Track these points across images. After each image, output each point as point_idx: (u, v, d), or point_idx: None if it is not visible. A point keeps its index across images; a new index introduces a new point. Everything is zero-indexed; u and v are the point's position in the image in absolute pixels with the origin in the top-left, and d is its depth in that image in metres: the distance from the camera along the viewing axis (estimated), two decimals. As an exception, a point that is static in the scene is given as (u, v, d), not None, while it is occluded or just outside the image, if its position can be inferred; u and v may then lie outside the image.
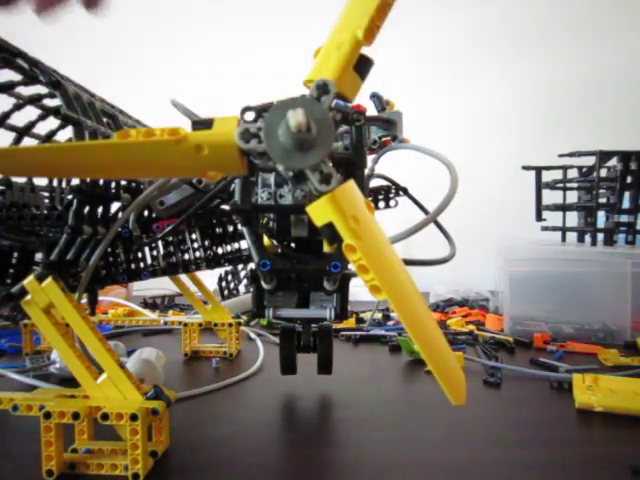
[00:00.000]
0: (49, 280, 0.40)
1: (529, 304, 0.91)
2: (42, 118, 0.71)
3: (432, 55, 1.55)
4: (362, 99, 0.43)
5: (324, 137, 0.29)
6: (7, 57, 0.43)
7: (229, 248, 0.72)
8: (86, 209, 0.43)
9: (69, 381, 0.51)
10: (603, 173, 0.94)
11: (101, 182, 0.44)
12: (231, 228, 0.70)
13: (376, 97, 0.47)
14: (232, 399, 0.58)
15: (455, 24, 1.54)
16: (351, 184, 0.28)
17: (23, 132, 0.73)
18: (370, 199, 0.51)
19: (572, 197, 1.01)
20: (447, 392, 0.28)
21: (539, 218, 1.04)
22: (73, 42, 1.47)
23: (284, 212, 0.39)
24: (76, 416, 0.39)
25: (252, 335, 0.86)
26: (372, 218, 0.29)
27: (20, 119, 0.70)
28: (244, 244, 0.71)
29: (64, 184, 0.85)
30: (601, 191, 0.94)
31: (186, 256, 0.65)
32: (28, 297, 0.40)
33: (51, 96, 0.58)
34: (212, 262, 0.67)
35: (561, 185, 1.00)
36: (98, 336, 0.41)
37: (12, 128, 0.72)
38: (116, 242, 0.56)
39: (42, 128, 0.74)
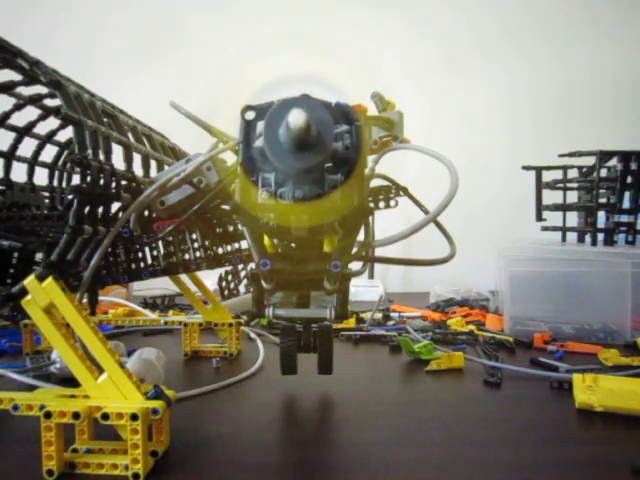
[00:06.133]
0: (49, 280, 0.40)
1: (529, 304, 0.91)
2: (42, 118, 0.71)
3: (433, 55, 1.55)
4: (363, 99, 0.43)
5: (324, 138, 0.29)
6: (7, 57, 0.42)
7: (229, 248, 0.72)
8: (87, 209, 0.43)
9: (69, 381, 0.51)
10: (603, 173, 0.94)
11: (101, 182, 0.44)
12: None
13: (377, 97, 0.47)
14: (232, 399, 0.58)
15: (456, 24, 1.55)
16: None
17: (23, 132, 0.73)
18: (370, 199, 0.51)
19: (572, 197, 1.01)
20: None
21: (539, 218, 1.04)
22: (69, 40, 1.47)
23: None
24: (76, 416, 0.39)
25: (252, 335, 0.86)
26: None
27: (20, 119, 0.70)
28: (244, 244, 0.71)
29: (64, 184, 0.85)
30: (601, 191, 0.94)
31: (186, 256, 0.65)
32: (28, 297, 0.40)
33: (51, 96, 0.58)
34: (212, 262, 0.67)
35: (561, 185, 1.00)
36: (99, 336, 0.41)
37: (12, 128, 0.72)
38: (116, 242, 0.56)
39: (42, 128, 0.75)
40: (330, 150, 0.30)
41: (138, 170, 0.54)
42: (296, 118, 0.27)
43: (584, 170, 0.99)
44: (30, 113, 0.69)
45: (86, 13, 1.52)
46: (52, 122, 0.72)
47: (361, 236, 0.41)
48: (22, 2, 1.52)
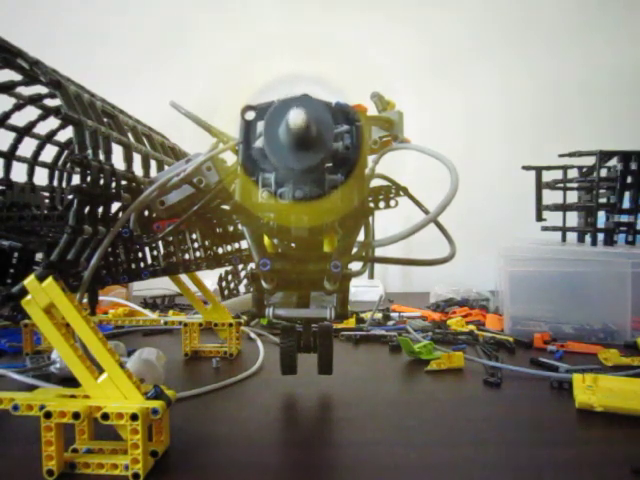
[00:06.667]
0: (49, 280, 0.40)
1: (529, 304, 0.91)
2: (42, 118, 0.71)
3: (433, 55, 1.55)
4: (363, 99, 0.43)
5: (324, 137, 0.29)
6: (7, 57, 0.42)
7: (229, 248, 0.72)
8: (87, 209, 0.43)
9: (69, 381, 0.51)
10: (603, 173, 0.94)
11: (101, 182, 0.44)
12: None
13: (377, 97, 0.47)
14: (232, 399, 0.58)
15: (456, 24, 1.55)
16: None
17: (23, 132, 0.73)
18: (370, 199, 0.51)
19: (572, 197, 1.01)
20: None
21: (539, 218, 1.04)
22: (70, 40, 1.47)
23: None
24: (77, 416, 0.39)
25: (252, 335, 0.86)
26: None
27: (20, 119, 0.70)
28: (244, 244, 0.71)
29: (64, 184, 0.85)
30: (601, 191, 0.94)
31: (186, 256, 0.65)
32: (29, 297, 0.40)
33: (51, 96, 0.58)
34: (212, 262, 0.67)
35: (561, 185, 1.00)
36: (98, 336, 0.41)
37: (12, 128, 0.72)
38: (116, 242, 0.56)
39: (42, 128, 0.75)
40: (330, 150, 0.30)
41: (138, 170, 0.54)
42: (296, 117, 0.27)
43: (584, 170, 0.99)
44: (30, 113, 0.69)
45: (86, 13, 1.52)
46: (52, 122, 0.72)
47: (361, 236, 0.41)
48: (22, 2, 1.52)
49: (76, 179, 0.42)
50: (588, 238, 0.97)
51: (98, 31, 1.51)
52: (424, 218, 0.38)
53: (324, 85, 0.39)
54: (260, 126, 0.34)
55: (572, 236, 1.04)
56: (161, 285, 1.24)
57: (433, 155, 0.41)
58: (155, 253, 0.63)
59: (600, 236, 0.94)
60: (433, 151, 0.41)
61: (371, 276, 1.45)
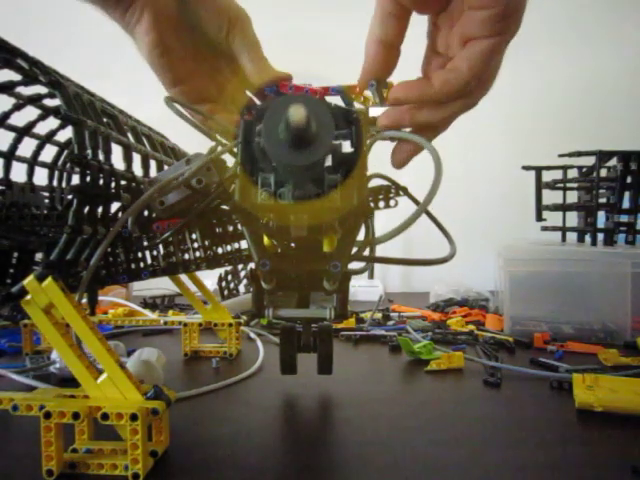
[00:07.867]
0: (49, 280, 0.40)
1: (529, 304, 0.90)
2: (42, 118, 0.71)
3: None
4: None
5: (323, 135, 0.29)
6: (7, 57, 0.42)
7: (229, 248, 0.72)
8: (86, 209, 0.43)
9: (69, 381, 0.51)
10: (603, 173, 0.94)
11: (101, 182, 0.44)
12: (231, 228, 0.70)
13: (374, 87, 0.45)
14: (232, 399, 0.58)
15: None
16: None
17: (23, 132, 0.73)
18: (370, 199, 0.51)
19: (572, 197, 1.01)
20: None
21: (539, 218, 1.04)
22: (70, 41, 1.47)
23: None
24: (76, 416, 0.39)
25: (252, 335, 0.86)
26: None
27: (20, 119, 0.70)
28: (244, 244, 0.71)
29: (64, 184, 0.85)
30: (601, 191, 0.94)
31: (186, 256, 0.65)
32: (28, 297, 0.40)
33: (51, 96, 0.58)
34: (212, 262, 0.67)
35: (561, 185, 1.00)
36: (98, 336, 0.41)
37: (12, 128, 0.72)
38: (116, 242, 0.56)
39: (42, 128, 0.75)
40: (330, 147, 0.30)
41: (138, 170, 0.54)
42: (296, 113, 0.27)
43: (584, 170, 0.99)
44: (30, 113, 0.69)
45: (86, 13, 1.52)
46: (52, 122, 0.72)
47: (360, 236, 0.41)
48: (25, 2, 1.52)
49: (76, 179, 0.42)
50: (588, 238, 0.97)
51: (100, 31, 1.51)
52: (415, 210, 0.38)
53: (323, 84, 0.39)
54: (259, 126, 0.34)
55: (572, 236, 1.04)
56: (161, 285, 1.24)
57: (408, 138, 0.41)
58: (155, 253, 0.63)
59: (600, 236, 0.94)
60: (411, 135, 0.41)
61: (371, 276, 1.45)
